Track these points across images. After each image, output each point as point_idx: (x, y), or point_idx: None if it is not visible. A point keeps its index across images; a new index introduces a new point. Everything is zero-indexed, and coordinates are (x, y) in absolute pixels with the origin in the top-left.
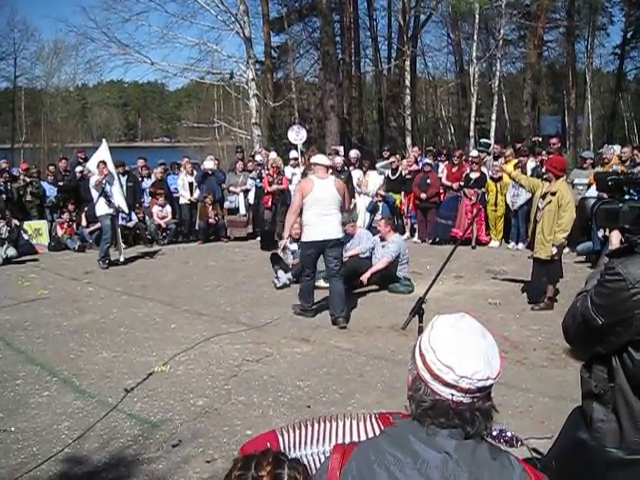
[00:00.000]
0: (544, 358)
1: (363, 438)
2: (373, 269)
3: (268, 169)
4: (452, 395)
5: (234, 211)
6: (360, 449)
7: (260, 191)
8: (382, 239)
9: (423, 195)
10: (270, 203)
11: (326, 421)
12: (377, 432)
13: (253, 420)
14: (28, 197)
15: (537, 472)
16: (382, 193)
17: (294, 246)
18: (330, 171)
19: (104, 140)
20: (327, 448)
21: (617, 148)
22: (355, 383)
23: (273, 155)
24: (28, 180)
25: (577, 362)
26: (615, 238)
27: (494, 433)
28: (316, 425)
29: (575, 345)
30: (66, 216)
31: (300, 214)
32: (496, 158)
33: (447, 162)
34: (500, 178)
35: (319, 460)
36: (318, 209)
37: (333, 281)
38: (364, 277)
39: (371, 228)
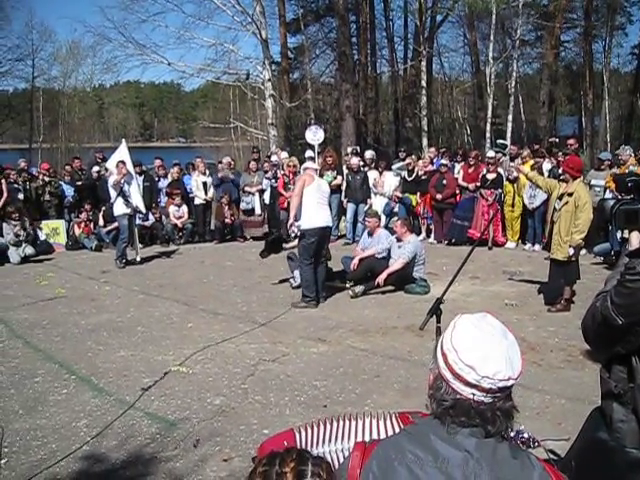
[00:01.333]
0: (561, 360)
1: (383, 436)
2: (389, 270)
3: (284, 169)
4: (473, 395)
5: (250, 212)
6: (381, 447)
7: (275, 191)
8: (398, 240)
9: (439, 196)
10: (286, 204)
11: (346, 419)
12: (397, 431)
13: (270, 419)
14: (47, 197)
15: (557, 472)
16: (399, 195)
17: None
18: (319, 173)
19: (123, 140)
20: (349, 445)
21: (628, 149)
22: (371, 383)
23: (284, 155)
24: (47, 180)
25: (594, 364)
26: (635, 239)
27: (511, 434)
28: (335, 423)
29: (594, 345)
30: (83, 215)
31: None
32: (513, 159)
33: (463, 163)
34: (516, 179)
35: (341, 457)
36: (318, 198)
37: (320, 267)
38: (380, 278)
39: (388, 229)
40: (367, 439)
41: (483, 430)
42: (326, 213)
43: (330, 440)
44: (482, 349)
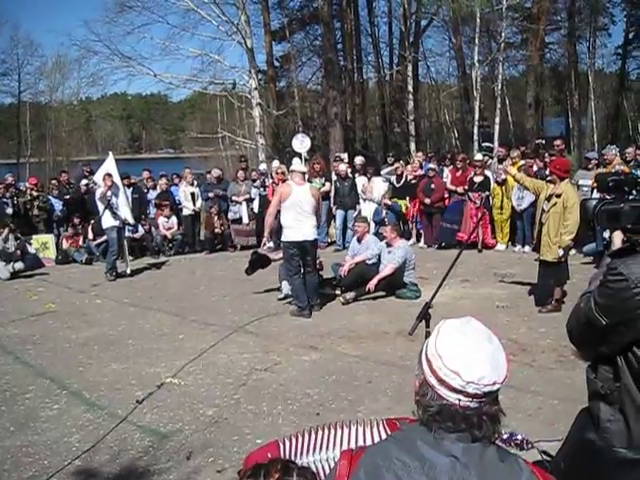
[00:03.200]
0: (553, 360)
1: (370, 443)
2: (380, 276)
3: (272, 178)
4: (459, 400)
5: (238, 221)
6: (367, 455)
7: (264, 200)
8: (388, 245)
9: (427, 200)
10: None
11: (331, 428)
12: (384, 437)
13: (263, 429)
14: (35, 211)
15: (545, 474)
16: (388, 202)
17: (271, 243)
18: (306, 177)
19: (110, 153)
20: (336, 454)
21: (614, 148)
22: (364, 389)
23: (276, 164)
24: (35, 194)
25: (586, 364)
26: (617, 238)
27: (504, 437)
28: (320, 432)
29: (580, 346)
30: (72, 229)
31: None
32: (501, 161)
33: (451, 166)
34: (505, 181)
35: (327, 466)
36: (295, 213)
37: (309, 276)
38: (371, 284)
39: (378, 235)
40: (354, 447)
41: (470, 435)
42: (306, 227)
43: (315, 449)
44: (466, 354)
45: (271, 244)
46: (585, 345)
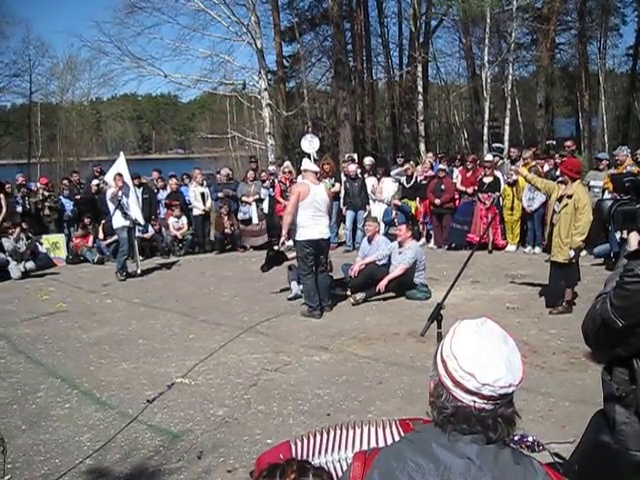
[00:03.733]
0: (564, 362)
1: (383, 444)
2: (390, 276)
3: (280, 178)
4: (474, 402)
5: (247, 221)
6: (381, 456)
7: (273, 200)
8: (400, 245)
9: (437, 201)
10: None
11: (344, 428)
12: (397, 438)
13: (273, 429)
14: (46, 211)
15: (560, 476)
16: (397, 203)
17: (290, 242)
18: (318, 176)
19: (121, 153)
20: (348, 455)
21: (625, 149)
22: (374, 390)
23: (287, 164)
24: (47, 194)
25: (597, 365)
26: (634, 239)
27: (516, 438)
28: (332, 432)
29: (595, 348)
30: (83, 229)
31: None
32: (513, 162)
33: (461, 167)
34: (515, 182)
35: (340, 467)
36: (313, 211)
37: (321, 276)
38: (381, 285)
39: (387, 236)
40: (367, 447)
41: (484, 437)
42: (322, 225)
43: (327, 450)
44: (482, 356)
45: (290, 242)
46: (601, 347)
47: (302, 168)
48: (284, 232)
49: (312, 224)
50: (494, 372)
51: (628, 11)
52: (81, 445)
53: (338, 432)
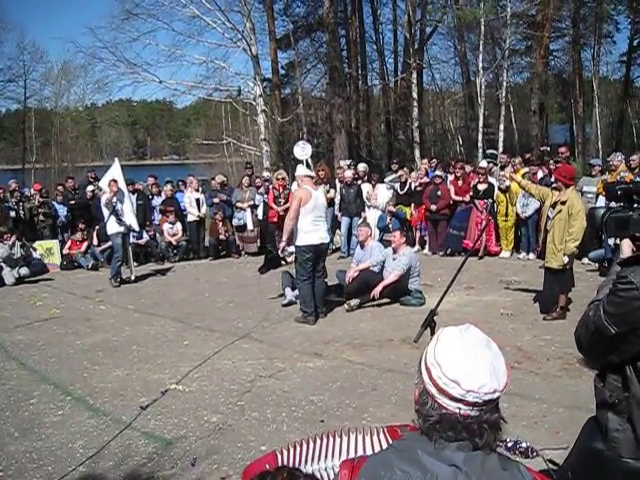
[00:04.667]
0: (558, 368)
1: (371, 452)
2: (385, 283)
3: (274, 184)
4: (459, 409)
5: (242, 227)
6: (369, 464)
7: (267, 206)
8: (394, 251)
9: (433, 207)
10: (277, 219)
11: (331, 436)
12: (385, 446)
13: (267, 435)
14: (41, 217)
15: None
16: (392, 209)
17: (292, 248)
18: (315, 180)
19: (116, 159)
20: (335, 463)
21: (620, 155)
22: (369, 397)
23: (281, 171)
24: (41, 200)
25: (591, 372)
26: (626, 247)
27: (509, 444)
28: (319, 441)
29: (588, 354)
30: (78, 235)
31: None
32: (502, 168)
33: (453, 177)
34: (508, 188)
35: (326, 476)
36: (314, 216)
37: (318, 282)
38: (376, 291)
39: (382, 242)
40: (355, 455)
41: (471, 443)
42: (322, 230)
43: (314, 459)
44: (466, 363)
45: (291, 249)
46: (594, 354)
47: (297, 174)
48: (284, 238)
49: (313, 229)
50: (478, 378)
51: (621, 18)
52: (74, 452)
53: (325, 440)
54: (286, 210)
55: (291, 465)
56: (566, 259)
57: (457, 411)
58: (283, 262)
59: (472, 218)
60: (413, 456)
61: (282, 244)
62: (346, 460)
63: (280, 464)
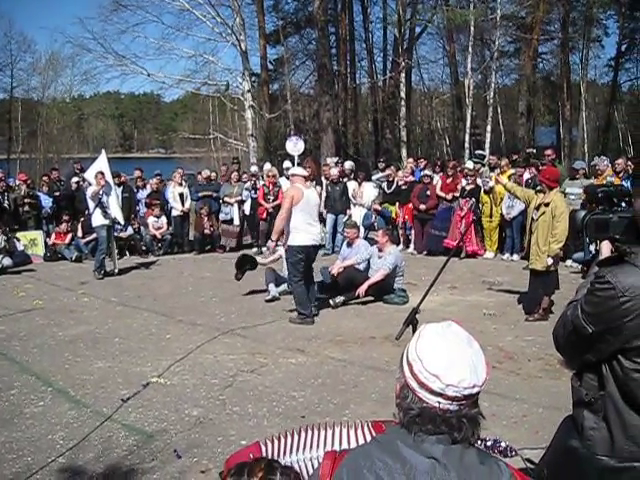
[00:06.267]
0: (539, 369)
1: (355, 445)
2: (370, 281)
3: (263, 180)
4: (439, 403)
5: (229, 222)
6: (351, 455)
7: (255, 202)
8: (379, 250)
9: (422, 206)
10: (265, 214)
11: (316, 429)
12: (369, 439)
13: (248, 430)
14: (26, 208)
15: (526, 478)
16: (378, 208)
17: (281, 249)
18: (307, 181)
19: (103, 151)
20: (320, 454)
21: (606, 159)
22: (350, 394)
23: (268, 166)
24: (27, 191)
25: (571, 373)
26: (605, 248)
27: (488, 443)
28: (304, 433)
29: (565, 353)
30: (63, 226)
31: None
32: (492, 169)
33: (442, 173)
34: (492, 189)
35: (311, 465)
36: (306, 216)
37: (309, 282)
38: (361, 290)
39: (367, 240)
40: (339, 448)
41: (450, 437)
42: (315, 231)
43: (299, 449)
44: (446, 358)
45: (280, 249)
46: (570, 352)
47: (290, 173)
48: (274, 238)
49: (305, 229)
50: (458, 373)
51: (610, 23)
52: (54, 443)
53: (310, 432)
54: (275, 207)
55: (275, 456)
56: (550, 260)
57: (437, 405)
58: (260, 260)
59: (454, 217)
60: (393, 448)
61: (271, 244)
62: (330, 451)
63: (264, 454)
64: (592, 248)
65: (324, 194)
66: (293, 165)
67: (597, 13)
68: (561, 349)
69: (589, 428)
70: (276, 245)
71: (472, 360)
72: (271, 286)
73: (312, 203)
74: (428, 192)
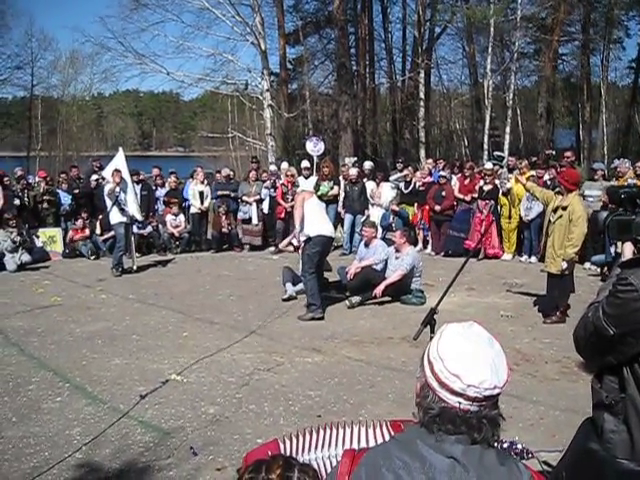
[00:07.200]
0: (556, 371)
1: (374, 444)
2: (387, 281)
3: (282, 180)
4: (459, 403)
5: (247, 221)
6: (369, 454)
7: (274, 201)
8: (397, 250)
9: (437, 207)
10: (284, 214)
11: (334, 427)
12: (388, 438)
13: (264, 429)
14: (45, 205)
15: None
16: (395, 208)
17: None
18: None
19: (120, 148)
20: (338, 452)
21: (627, 161)
22: (366, 393)
23: (285, 165)
24: (46, 188)
25: (589, 375)
26: (628, 249)
27: (505, 445)
28: (322, 431)
29: (586, 355)
30: (80, 223)
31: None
32: (511, 170)
33: (460, 174)
34: (509, 191)
35: (329, 463)
36: (319, 212)
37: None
38: (378, 290)
39: (385, 240)
40: (358, 446)
41: (469, 437)
42: (330, 224)
43: (317, 447)
44: (468, 358)
45: (303, 237)
46: (591, 354)
47: (299, 190)
48: (297, 225)
49: (322, 221)
50: (479, 374)
51: (632, 24)
52: (71, 439)
53: (328, 431)
54: (293, 207)
55: (293, 453)
56: (565, 265)
57: (457, 405)
58: (280, 245)
59: (474, 219)
60: (413, 447)
61: (296, 230)
62: (349, 449)
63: (282, 452)
64: (613, 250)
65: (342, 194)
66: (312, 165)
67: (618, 14)
68: (582, 351)
69: (609, 431)
70: (299, 233)
71: (493, 361)
72: (288, 285)
73: (322, 206)
74: (444, 193)
